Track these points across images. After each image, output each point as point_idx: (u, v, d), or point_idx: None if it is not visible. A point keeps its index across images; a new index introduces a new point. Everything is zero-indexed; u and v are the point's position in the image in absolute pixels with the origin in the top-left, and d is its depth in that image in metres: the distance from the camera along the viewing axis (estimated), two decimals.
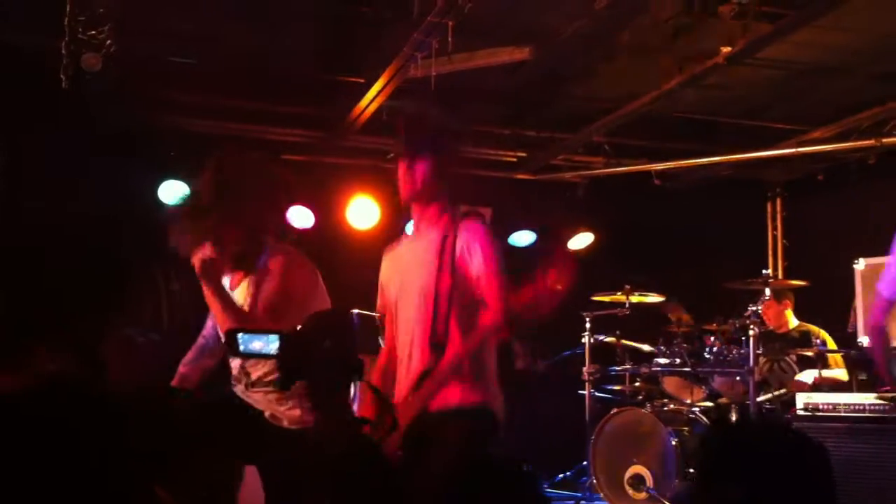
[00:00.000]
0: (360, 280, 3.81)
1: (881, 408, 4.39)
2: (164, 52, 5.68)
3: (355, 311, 5.92)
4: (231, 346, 2.58)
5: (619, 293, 6.34)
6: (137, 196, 6.39)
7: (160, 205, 6.39)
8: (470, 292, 3.06)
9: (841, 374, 5.80)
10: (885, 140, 6.58)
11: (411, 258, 3.26)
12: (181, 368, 3.69)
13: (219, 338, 3.61)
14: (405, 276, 3.25)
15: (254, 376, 3.47)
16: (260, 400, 3.46)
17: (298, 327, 2.68)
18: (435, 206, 3.22)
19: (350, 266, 5.20)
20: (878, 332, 3.77)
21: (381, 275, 3.39)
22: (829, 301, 6.19)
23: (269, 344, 2.59)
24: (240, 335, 2.61)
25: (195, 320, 3.86)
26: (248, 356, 2.84)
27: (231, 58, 5.78)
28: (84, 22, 4.55)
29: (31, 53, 5.28)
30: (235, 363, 3.51)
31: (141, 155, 6.36)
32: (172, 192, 6.52)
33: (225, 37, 5.50)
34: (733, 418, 5.72)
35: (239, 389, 3.51)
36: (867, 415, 4.42)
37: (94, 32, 4.58)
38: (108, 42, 4.60)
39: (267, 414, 3.45)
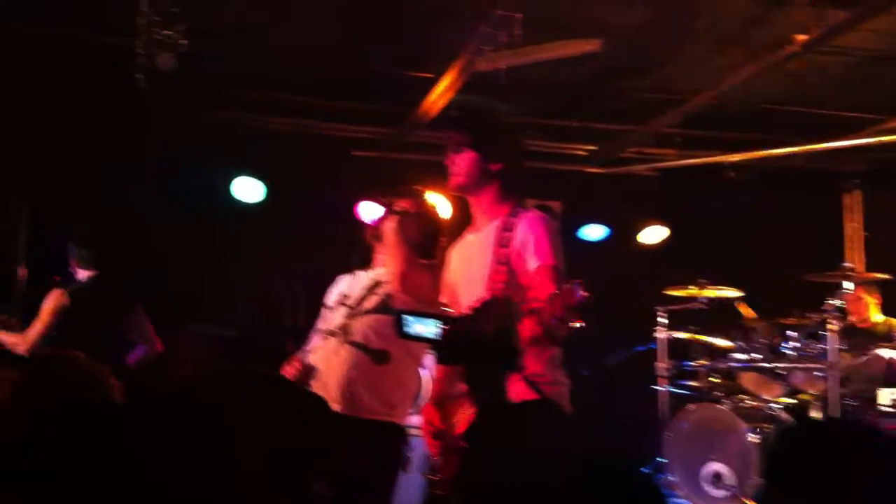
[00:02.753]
0: None
1: None
2: (235, 51, 5.76)
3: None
4: (397, 328, 2.64)
5: (693, 287, 6.23)
6: (211, 193, 6.51)
7: (233, 201, 6.49)
8: (525, 287, 3.02)
9: None
10: None
11: (471, 251, 3.29)
12: None
13: None
14: (465, 269, 3.28)
15: None
16: None
17: (464, 313, 2.72)
18: (489, 198, 3.24)
19: None
20: None
21: (446, 270, 3.41)
22: None
23: (428, 328, 2.63)
24: (405, 317, 2.65)
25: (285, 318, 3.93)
26: (411, 339, 2.89)
27: (300, 55, 5.83)
28: (159, 22, 4.64)
29: (107, 53, 5.40)
30: None
31: (214, 152, 6.47)
32: (245, 188, 6.63)
33: (294, 34, 5.56)
34: (813, 416, 5.59)
35: None
36: None
37: (168, 32, 4.68)
38: (183, 41, 4.70)
39: None
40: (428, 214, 3.72)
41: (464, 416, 3.01)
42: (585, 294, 2.53)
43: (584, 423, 3.14)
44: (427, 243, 3.60)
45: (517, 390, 2.97)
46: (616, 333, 6.40)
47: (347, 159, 7.00)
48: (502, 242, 3.11)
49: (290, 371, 3.62)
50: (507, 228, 3.14)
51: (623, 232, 7.49)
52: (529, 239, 3.08)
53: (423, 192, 3.87)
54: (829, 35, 5.16)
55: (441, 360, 2.78)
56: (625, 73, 6.25)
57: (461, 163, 3.24)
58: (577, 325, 2.63)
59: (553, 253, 3.06)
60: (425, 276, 3.48)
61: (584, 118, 7.07)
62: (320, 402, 2.37)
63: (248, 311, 6.71)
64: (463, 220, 3.49)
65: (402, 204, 3.62)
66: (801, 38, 5.17)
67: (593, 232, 7.38)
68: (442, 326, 2.58)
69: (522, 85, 6.11)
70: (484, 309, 2.67)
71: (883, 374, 5.49)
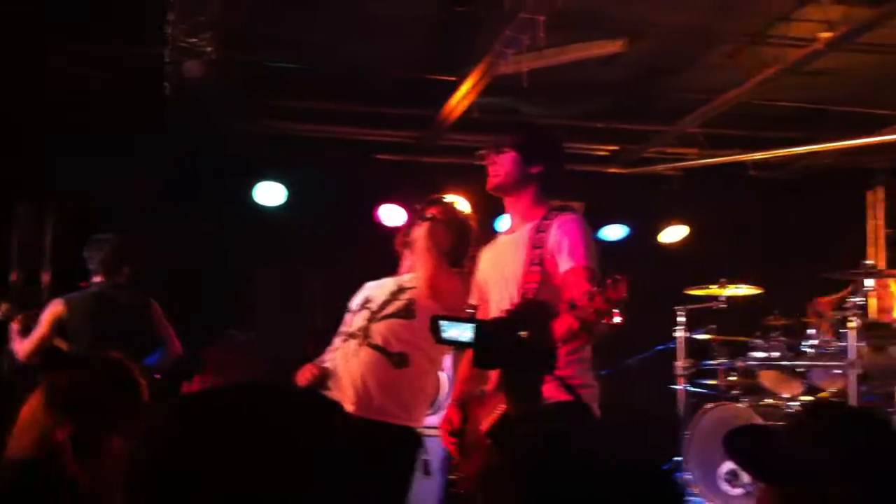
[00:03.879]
0: None
1: None
2: (260, 57, 5.81)
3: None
4: (433, 333, 2.67)
5: (714, 286, 6.24)
6: (234, 197, 6.56)
7: (256, 205, 6.53)
8: (559, 288, 3.04)
9: None
10: None
11: (504, 251, 3.31)
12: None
13: None
14: (498, 268, 3.30)
15: None
16: None
17: (498, 316, 2.73)
18: (526, 200, 3.26)
19: None
20: None
21: (477, 269, 3.43)
22: None
23: (463, 332, 2.66)
24: (441, 322, 2.68)
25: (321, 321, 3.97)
26: (448, 343, 2.92)
27: (323, 61, 5.89)
28: (186, 30, 4.69)
29: (136, 61, 5.46)
30: None
31: (237, 157, 6.53)
32: (268, 193, 6.67)
33: (316, 40, 5.61)
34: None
35: None
36: None
37: (195, 40, 4.73)
38: (209, 49, 4.75)
39: None
40: (459, 222, 3.75)
41: (488, 414, 3.04)
42: (625, 292, 2.54)
43: (608, 424, 3.18)
44: (457, 251, 3.63)
45: (549, 392, 2.99)
46: (636, 333, 6.38)
47: (370, 163, 7.04)
48: (536, 244, 3.13)
49: (304, 376, 3.65)
50: (541, 230, 3.16)
51: (644, 232, 7.49)
52: (564, 240, 3.09)
53: (454, 199, 3.90)
54: (854, 33, 5.15)
55: (478, 364, 2.80)
56: (650, 74, 6.26)
57: (502, 163, 3.26)
58: (617, 320, 2.65)
59: (587, 254, 3.07)
60: (455, 284, 3.50)
61: (608, 119, 7.08)
62: (331, 407, 2.40)
63: (274, 316, 6.76)
64: (488, 223, 3.53)
65: (432, 210, 3.65)
66: (826, 35, 5.17)
67: (614, 232, 7.39)
68: (475, 331, 2.60)
69: (546, 86, 6.13)
70: (519, 312, 2.69)
71: None
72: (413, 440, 3.62)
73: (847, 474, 1.78)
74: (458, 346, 2.79)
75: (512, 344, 2.60)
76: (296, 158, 6.71)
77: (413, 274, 3.65)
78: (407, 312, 3.57)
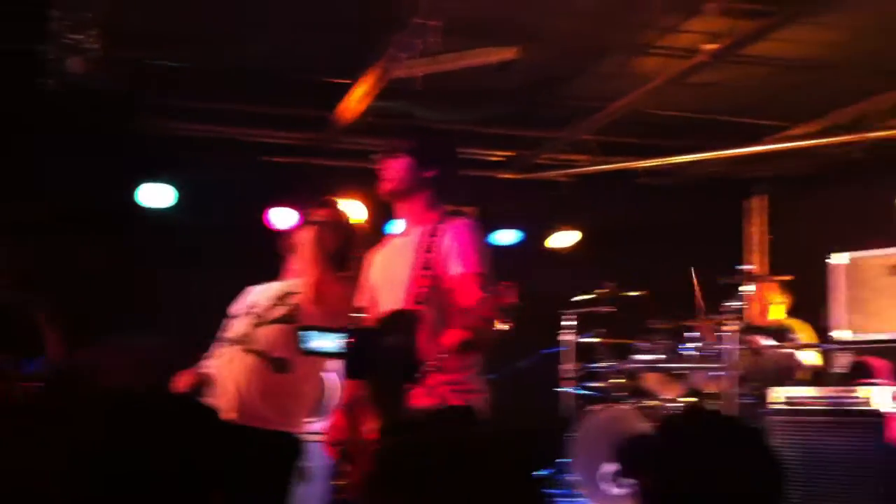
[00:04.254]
0: None
1: (859, 401, 4.42)
2: (150, 56, 5.67)
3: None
4: (297, 343, 2.61)
5: (602, 290, 6.37)
6: (116, 198, 6.39)
7: (139, 207, 6.38)
8: (449, 293, 3.04)
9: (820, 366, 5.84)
10: (869, 135, 6.62)
11: (395, 255, 3.30)
12: None
13: None
14: (388, 272, 3.29)
15: None
16: None
17: (367, 326, 2.69)
18: (419, 205, 3.26)
19: None
20: None
21: (367, 271, 3.42)
22: (813, 296, 6.21)
23: (329, 342, 2.61)
24: (303, 332, 2.62)
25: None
26: (312, 354, 2.87)
27: (217, 60, 5.78)
28: (70, 26, 4.55)
29: (17, 58, 5.27)
30: None
31: (123, 157, 6.36)
32: (155, 194, 6.52)
33: (211, 39, 5.50)
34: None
35: None
36: (844, 408, 4.45)
37: (80, 37, 4.59)
38: (96, 46, 4.62)
39: None
40: (345, 225, 3.72)
41: (375, 420, 3.02)
42: (515, 298, 2.56)
43: (496, 428, 3.20)
44: (343, 254, 3.60)
45: (439, 398, 3.00)
46: (526, 337, 6.46)
47: (262, 166, 6.95)
48: (428, 248, 3.13)
49: (182, 382, 3.59)
50: (433, 234, 3.15)
51: (536, 236, 7.59)
52: (456, 246, 3.09)
53: (339, 202, 3.87)
54: (739, 45, 5.32)
55: (348, 373, 2.78)
56: (543, 81, 6.34)
57: (395, 168, 3.25)
58: (506, 327, 2.67)
59: (479, 260, 3.08)
60: (340, 288, 3.48)
61: (503, 125, 7.16)
62: (208, 414, 2.35)
63: (162, 320, 6.59)
64: (380, 227, 3.52)
65: (319, 214, 3.61)
66: (710, 47, 5.32)
67: (506, 237, 7.47)
68: (345, 340, 2.58)
69: (442, 92, 6.17)
70: (387, 322, 2.68)
71: (776, 373, 5.68)
72: (292, 446, 3.57)
73: (705, 477, 1.86)
74: (323, 356, 2.77)
75: (380, 353, 2.60)
76: (186, 159, 6.57)
77: (298, 279, 3.61)
78: (291, 318, 3.52)
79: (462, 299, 2.98)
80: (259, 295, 3.71)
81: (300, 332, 2.59)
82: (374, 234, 3.80)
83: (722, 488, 1.85)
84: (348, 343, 2.59)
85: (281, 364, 3.47)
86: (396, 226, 3.43)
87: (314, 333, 2.63)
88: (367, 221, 6.58)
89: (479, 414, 3.10)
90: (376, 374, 2.66)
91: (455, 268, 3.06)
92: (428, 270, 3.09)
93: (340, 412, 3.25)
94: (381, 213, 4.28)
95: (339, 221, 3.69)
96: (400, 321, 2.78)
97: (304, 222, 3.60)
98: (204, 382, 3.57)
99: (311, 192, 6.73)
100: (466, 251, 3.09)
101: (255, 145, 6.88)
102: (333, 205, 3.77)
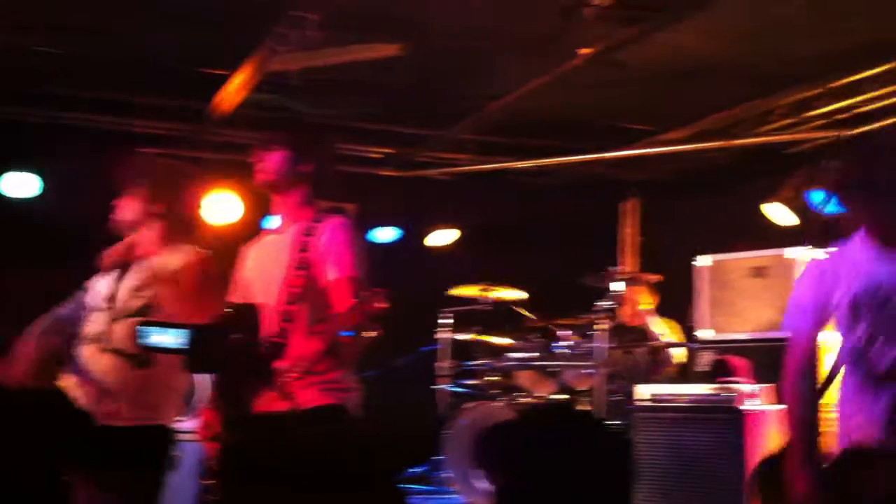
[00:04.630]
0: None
1: (718, 398, 4.57)
2: (21, 43, 5.44)
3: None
4: (137, 338, 2.53)
5: (479, 289, 6.44)
6: None
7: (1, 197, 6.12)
8: (324, 293, 3.02)
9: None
10: (736, 142, 6.89)
11: (270, 252, 3.25)
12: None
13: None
14: (262, 268, 3.24)
15: None
16: None
17: (210, 323, 2.63)
18: (294, 200, 3.22)
19: None
20: (796, 389, 2.91)
21: (240, 267, 3.36)
22: (680, 295, 6.43)
23: (171, 338, 2.54)
24: (142, 328, 2.54)
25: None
26: (152, 350, 2.78)
27: (91, 48, 5.59)
28: None
29: None
30: None
31: None
32: (16, 184, 6.29)
33: (81, 26, 5.31)
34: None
35: None
36: (705, 405, 4.59)
37: None
38: None
39: None
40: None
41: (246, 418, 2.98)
42: (384, 304, 2.56)
43: (371, 426, 3.20)
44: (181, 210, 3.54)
45: (310, 397, 2.97)
46: (405, 334, 6.49)
47: (134, 156, 6.73)
48: (303, 247, 3.09)
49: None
50: (308, 233, 3.11)
51: (415, 235, 7.61)
52: (332, 247, 3.06)
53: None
54: (614, 50, 5.44)
55: (190, 368, 2.73)
56: (424, 79, 6.35)
57: (270, 161, 3.20)
58: (374, 334, 2.67)
59: (354, 264, 3.05)
60: (201, 280, 3.40)
61: (384, 122, 7.14)
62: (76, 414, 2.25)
63: (25, 314, 6.32)
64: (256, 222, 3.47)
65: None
66: (587, 51, 5.43)
67: (385, 234, 7.47)
68: (188, 336, 2.53)
69: (323, 86, 6.11)
70: (231, 318, 2.64)
71: (645, 371, 5.87)
72: (161, 437, 3.47)
73: (553, 475, 1.91)
74: (163, 351, 2.72)
75: (222, 350, 2.56)
76: (53, 149, 6.32)
77: (155, 269, 3.51)
78: (148, 309, 3.41)
79: (335, 303, 2.97)
80: (111, 286, 3.57)
81: (139, 328, 2.52)
82: (249, 228, 3.74)
83: (569, 486, 1.90)
84: (190, 339, 2.54)
85: (142, 360, 3.35)
86: (272, 221, 3.38)
87: (154, 329, 2.56)
88: (243, 216, 6.49)
89: (351, 412, 3.08)
90: (223, 371, 2.63)
91: (331, 272, 3.04)
92: (302, 270, 3.06)
93: (210, 409, 3.18)
94: (258, 207, 4.21)
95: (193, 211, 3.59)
96: (243, 317, 2.74)
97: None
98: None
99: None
100: (341, 254, 3.06)
101: (131, 136, 6.66)
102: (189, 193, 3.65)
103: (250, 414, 2.85)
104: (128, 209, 3.58)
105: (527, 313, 6.22)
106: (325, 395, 3.00)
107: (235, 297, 3.32)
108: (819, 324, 2.92)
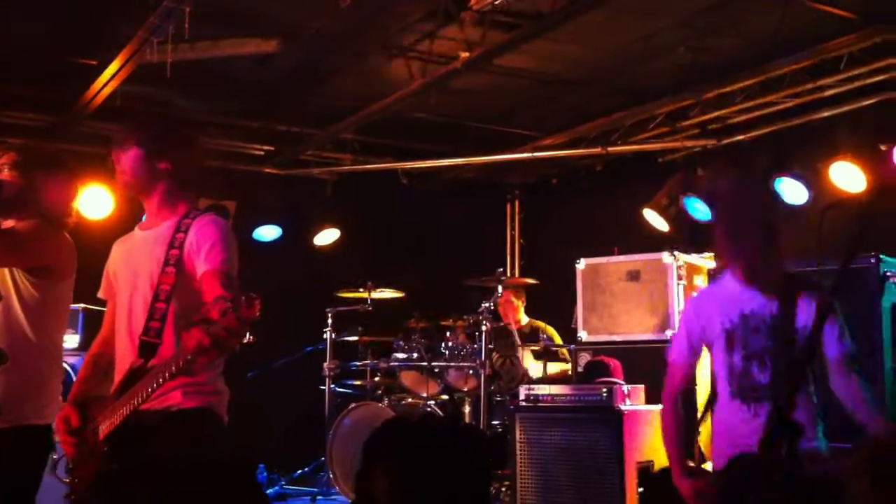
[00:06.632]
0: (95, 273, 3.61)
1: (596, 398, 4.67)
2: None
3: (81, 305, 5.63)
4: None
5: (362, 289, 6.41)
6: None
7: None
8: (194, 292, 2.93)
9: (566, 366, 6.15)
10: (610, 149, 7.06)
11: (139, 248, 3.13)
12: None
13: None
14: (130, 265, 3.12)
15: None
16: None
17: None
18: (158, 197, 3.11)
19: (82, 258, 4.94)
20: (671, 412, 3.30)
21: (109, 262, 3.24)
22: (560, 298, 6.53)
23: None
24: None
25: None
26: None
27: None
28: None
29: None
30: None
31: None
32: None
33: None
34: (465, 410, 5.95)
35: None
36: (583, 405, 4.68)
37: None
38: None
39: None
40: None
41: (107, 419, 2.88)
42: (257, 311, 2.49)
43: (247, 429, 3.13)
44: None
45: (175, 399, 2.89)
46: (288, 334, 6.42)
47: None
48: (174, 243, 2.99)
49: None
50: (180, 229, 3.02)
51: (297, 233, 7.53)
52: (202, 243, 2.96)
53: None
54: (491, 55, 5.49)
55: None
56: (304, 77, 6.28)
57: (126, 160, 3.08)
58: (249, 339, 2.61)
59: (225, 259, 2.95)
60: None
61: (264, 119, 7.04)
62: None
63: None
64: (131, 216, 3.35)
65: None
66: (465, 55, 5.47)
67: (267, 232, 7.36)
68: None
69: (200, 80, 5.97)
70: None
71: (524, 374, 5.94)
72: (31, 439, 3.30)
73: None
74: None
75: None
76: None
77: None
78: None
79: (205, 296, 2.87)
80: None
81: None
82: (118, 224, 3.61)
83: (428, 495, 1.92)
84: None
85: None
86: (143, 217, 3.27)
87: None
88: (113, 210, 6.27)
89: (216, 416, 3.01)
90: None
91: (200, 266, 2.95)
92: (172, 267, 2.97)
93: (71, 407, 3.05)
94: (129, 202, 4.07)
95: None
96: None
97: None
98: None
99: None
100: (212, 248, 2.96)
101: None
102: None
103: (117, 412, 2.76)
104: None
105: (411, 315, 6.22)
106: (190, 399, 2.91)
107: (103, 294, 3.22)
108: (694, 355, 3.30)
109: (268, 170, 7.57)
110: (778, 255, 3.15)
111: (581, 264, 5.62)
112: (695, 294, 3.46)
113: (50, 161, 3.49)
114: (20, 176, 3.35)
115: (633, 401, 4.69)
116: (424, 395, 6.04)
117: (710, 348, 3.24)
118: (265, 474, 6.50)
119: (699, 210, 6.10)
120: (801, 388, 2.98)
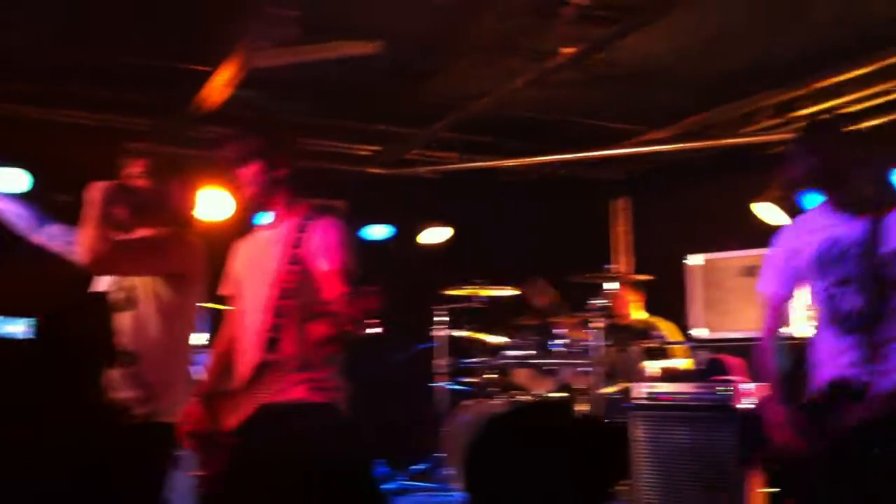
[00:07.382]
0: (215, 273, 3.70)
1: (715, 397, 4.57)
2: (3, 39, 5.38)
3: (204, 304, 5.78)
4: None
5: (471, 287, 6.41)
6: None
7: None
8: (316, 290, 3.03)
9: (684, 364, 6.04)
10: (718, 142, 6.89)
11: (261, 248, 3.26)
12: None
13: None
14: (254, 264, 3.25)
15: None
16: None
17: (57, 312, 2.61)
18: (281, 202, 3.22)
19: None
20: (770, 350, 3.28)
21: (233, 261, 3.36)
22: (674, 294, 6.42)
23: (19, 326, 2.52)
24: None
25: None
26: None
27: (75, 45, 5.52)
28: None
29: None
30: None
31: None
32: (4, 180, 6.23)
33: (68, 23, 5.24)
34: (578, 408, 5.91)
35: None
36: (701, 403, 4.61)
37: None
38: None
39: None
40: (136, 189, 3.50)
41: (233, 412, 2.95)
42: (378, 302, 2.57)
43: (363, 425, 3.18)
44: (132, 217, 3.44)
45: (301, 393, 2.96)
46: (398, 332, 6.45)
47: (122, 152, 6.65)
48: (296, 243, 3.11)
49: None
50: (301, 230, 3.14)
51: (406, 232, 7.59)
52: (323, 242, 3.08)
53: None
54: (592, 50, 5.42)
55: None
56: (406, 77, 6.31)
57: (247, 175, 3.18)
58: (375, 329, 2.68)
59: (345, 257, 3.07)
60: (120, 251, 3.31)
61: (368, 120, 7.10)
62: None
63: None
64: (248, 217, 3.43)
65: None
66: (568, 51, 5.41)
67: (377, 232, 7.45)
68: (33, 325, 2.52)
69: (307, 84, 6.06)
70: (76, 306, 2.62)
71: (639, 371, 5.85)
72: (161, 435, 3.42)
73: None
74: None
75: (72, 338, 2.54)
76: (36, 144, 6.25)
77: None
78: (130, 303, 3.34)
79: (328, 295, 2.98)
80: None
81: None
82: (241, 224, 3.69)
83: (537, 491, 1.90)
84: (37, 327, 2.53)
85: (128, 357, 3.29)
86: (264, 217, 3.37)
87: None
88: (235, 212, 6.42)
89: (339, 411, 3.08)
90: (67, 359, 2.62)
91: (321, 265, 3.06)
92: (295, 265, 3.08)
93: (197, 402, 3.15)
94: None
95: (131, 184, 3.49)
96: (92, 305, 2.73)
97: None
98: None
99: None
100: (333, 248, 3.08)
101: (114, 132, 6.58)
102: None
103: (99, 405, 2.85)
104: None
105: (537, 300, 6.19)
106: (314, 394, 3.02)
107: (227, 292, 3.32)
108: (789, 285, 3.26)
109: (373, 170, 7.64)
110: (871, 180, 3.11)
111: (693, 260, 5.52)
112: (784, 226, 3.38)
113: (179, 167, 3.61)
114: (154, 183, 3.47)
115: (755, 400, 4.57)
116: (538, 392, 6.01)
117: (804, 278, 3.19)
118: (387, 468, 6.56)
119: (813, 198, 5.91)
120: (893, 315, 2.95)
